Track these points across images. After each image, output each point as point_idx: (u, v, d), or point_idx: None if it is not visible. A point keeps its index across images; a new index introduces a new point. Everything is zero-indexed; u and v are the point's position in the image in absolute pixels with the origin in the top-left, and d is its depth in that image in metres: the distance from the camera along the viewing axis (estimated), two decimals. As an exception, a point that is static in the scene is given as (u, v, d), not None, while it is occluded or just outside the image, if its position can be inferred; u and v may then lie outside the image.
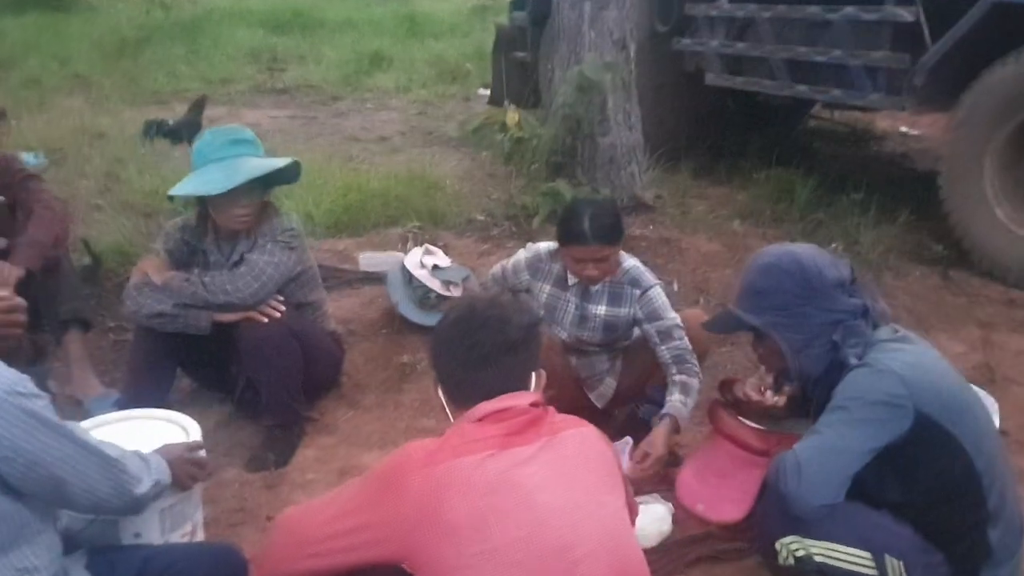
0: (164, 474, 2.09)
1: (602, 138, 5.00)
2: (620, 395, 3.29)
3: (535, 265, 3.20)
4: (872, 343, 2.24)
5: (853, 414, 2.16)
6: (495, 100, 7.48)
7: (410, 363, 3.77)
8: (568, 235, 2.99)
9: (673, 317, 3.02)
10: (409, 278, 3.95)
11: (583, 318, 3.12)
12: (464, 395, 1.80)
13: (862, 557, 2.17)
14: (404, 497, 1.65)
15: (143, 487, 1.93)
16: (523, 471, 1.68)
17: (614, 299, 3.09)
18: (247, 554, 2.14)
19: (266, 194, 3.24)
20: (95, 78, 9.16)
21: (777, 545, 2.22)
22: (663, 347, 3.00)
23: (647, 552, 2.71)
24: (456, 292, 3.98)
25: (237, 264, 3.15)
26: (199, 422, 3.42)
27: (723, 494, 2.82)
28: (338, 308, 4.00)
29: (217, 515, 2.94)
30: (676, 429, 2.93)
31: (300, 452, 3.29)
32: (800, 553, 2.19)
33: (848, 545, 2.17)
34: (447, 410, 1.88)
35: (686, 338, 3.00)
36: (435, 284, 3.94)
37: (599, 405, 3.31)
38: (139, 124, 7.32)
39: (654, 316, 3.02)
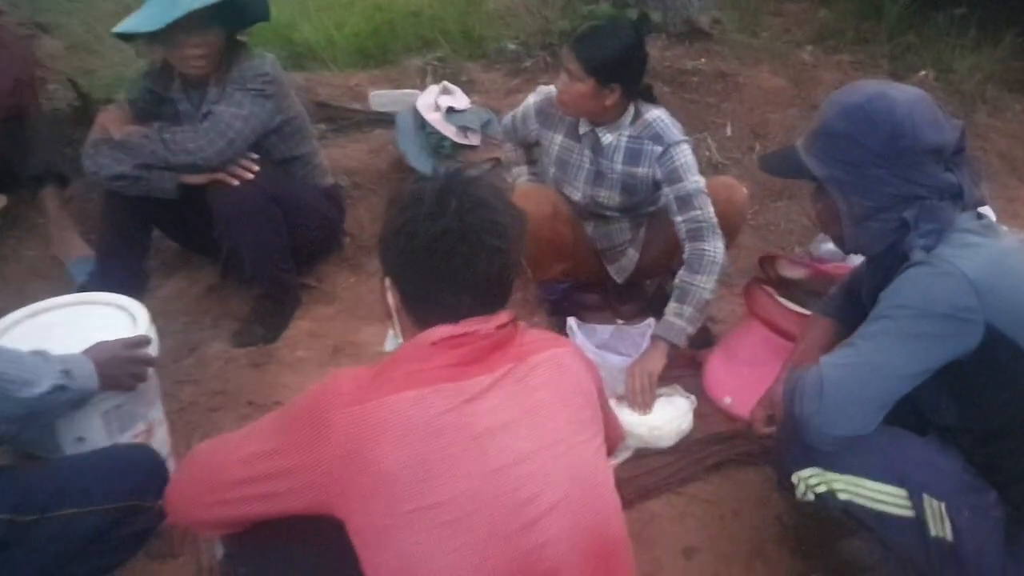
0: (84, 377, 1.88)
1: (652, -52, 4.29)
2: (642, 270, 2.90)
3: (545, 111, 2.74)
4: (946, 232, 1.75)
5: (902, 326, 1.70)
6: None
7: (420, 222, 3.40)
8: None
9: (696, 180, 2.54)
10: (421, 123, 3.51)
11: (599, 174, 2.69)
12: (428, 313, 1.43)
13: (895, 495, 1.80)
14: (326, 439, 1.33)
15: (36, 389, 1.74)
16: (477, 408, 1.35)
17: (631, 156, 2.62)
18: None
19: (234, 33, 2.81)
20: None
21: (794, 478, 1.86)
22: (680, 217, 2.54)
23: (664, 453, 2.43)
24: (474, 140, 3.55)
25: (208, 116, 2.76)
26: (186, 287, 3.23)
27: (754, 388, 2.47)
28: (343, 155, 3.62)
29: (196, 397, 2.75)
30: (683, 346, 2.56)
31: (294, 324, 3.04)
32: (821, 489, 1.82)
33: (879, 481, 1.80)
34: (394, 319, 1.51)
35: (709, 207, 2.53)
36: (450, 131, 3.50)
37: (619, 280, 2.92)
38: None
39: (674, 178, 2.55)
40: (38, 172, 3.19)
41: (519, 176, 2.93)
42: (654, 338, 2.52)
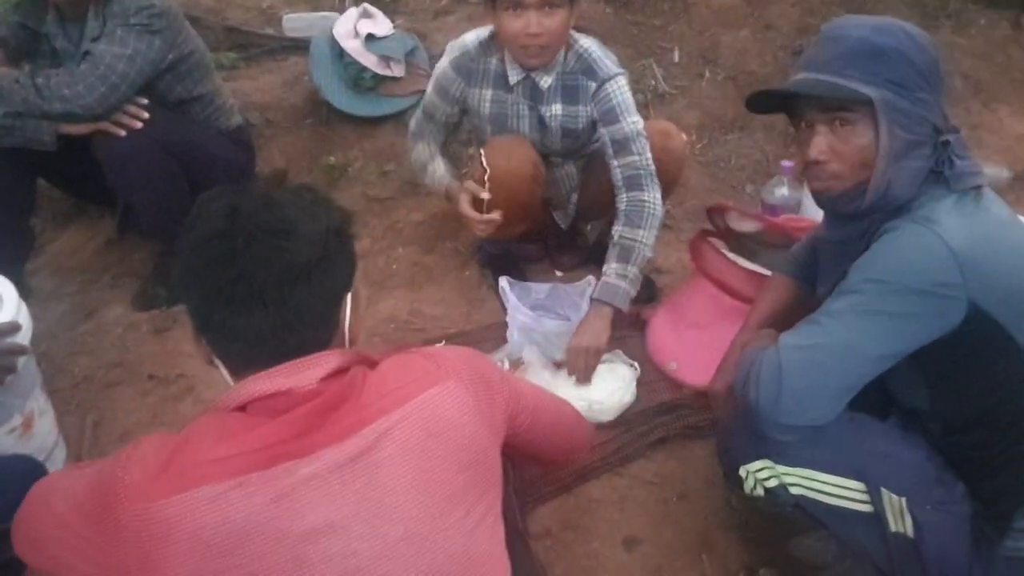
0: None
1: None
2: (581, 212, 2.69)
3: (465, 66, 2.42)
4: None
5: (873, 302, 1.48)
6: None
7: (339, 165, 3.11)
8: None
9: (634, 122, 2.30)
10: (339, 52, 3.18)
11: (541, 121, 2.42)
12: (232, 354, 1.15)
13: (852, 490, 1.62)
14: (116, 539, 1.05)
15: None
16: (296, 504, 1.04)
17: (569, 95, 2.36)
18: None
19: None
20: None
21: (742, 471, 1.67)
22: (616, 161, 2.30)
23: (604, 428, 2.22)
24: (398, 71, 3.23)
25: (87, 57, 2.43)
26: (82, 240, 2.94)
27: (702, 352, 2.28)
28: (254, 88, 3.29)
29: (92, 371, 2.51)
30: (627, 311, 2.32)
31: (201, 281, 2.74)
32: (772, 483, 1.64)
33: (834, 474, 1.62)
34: (223, 373, 1.20)
35: (648, 151, 2.30)
36: (370, 60, 3.18)
37: (563, 226, 2.72)
38: None
39: (610, 118, 2.30)
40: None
41: (435, 172, 2.54)
42: (596, 302, 2.27)
